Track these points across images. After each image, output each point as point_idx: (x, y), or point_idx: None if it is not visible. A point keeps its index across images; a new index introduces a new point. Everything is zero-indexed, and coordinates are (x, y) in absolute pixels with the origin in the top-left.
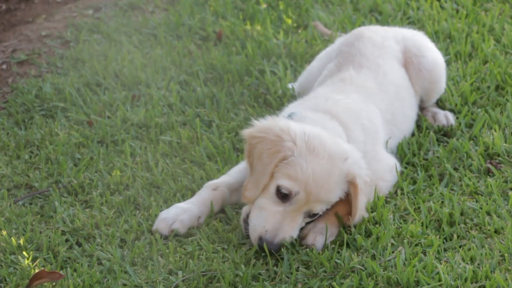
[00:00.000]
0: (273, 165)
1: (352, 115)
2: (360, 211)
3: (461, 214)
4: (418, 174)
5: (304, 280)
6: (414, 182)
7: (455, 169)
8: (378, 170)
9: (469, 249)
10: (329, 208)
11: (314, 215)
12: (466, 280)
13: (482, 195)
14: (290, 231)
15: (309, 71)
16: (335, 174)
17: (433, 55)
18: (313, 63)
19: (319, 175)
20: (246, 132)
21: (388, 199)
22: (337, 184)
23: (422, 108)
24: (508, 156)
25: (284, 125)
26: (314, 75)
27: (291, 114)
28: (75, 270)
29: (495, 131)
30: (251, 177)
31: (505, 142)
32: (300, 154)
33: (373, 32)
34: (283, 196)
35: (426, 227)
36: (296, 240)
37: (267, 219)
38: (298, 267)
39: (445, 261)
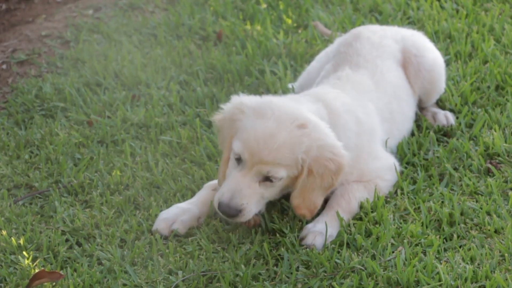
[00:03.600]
0: (229, 137)
1: (344, 106)
2: (305, 196)
3: (461, 214)
4: (418, 174)
5: (304, 280)
6: (414, 182)
7: (455, 169)
8: (376, 169)
9: (469, 249)
10: (290, 175)
11: (272, 179)
12: (466, 280)
13: (482, 195)
14: (248, 198)
15: (308, 71)
16: (281, 136)
17: (432, 55)
18: (312, 63)
19: (261, 135)
20: (214, 119)
21: (388, 199)
22: (284, 147)
23: (422, 108)
24: (508, 156)
25: (237, 101)
26: (313, 75)
27: None
28: (75, 270)
29: (495, 131)
30: (221, 162)
31: (505, 142)
32: (247, 118)
33: (371, 32)
34: (238, 160)
35: (426, 227)
36: (296, 240)
37: (226, 184)
38: (298, 267)
39: (445, 261)
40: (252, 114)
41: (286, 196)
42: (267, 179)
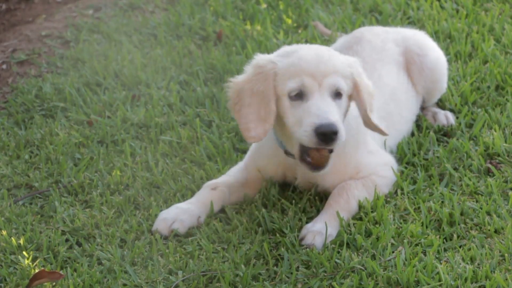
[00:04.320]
0: (271, 88)
1: None
2: (369, 106)
3: (461, 214)
4: (418, 174)
5: (304, 280)
6: (414, 182)
7: (455, 169)
8: (372, 164)
9: (469, 249)
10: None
11: (340, 93)
12: (466, 280)
13: (482, 195)
14: (336, 115)
15: None
16: (325, 52)
17: (435, 54)
18: None
19: (309, 56)
20: (232, 82)
21: (388, 199)
22: (334, 58)
23: (422, 108)
24: (508, 156)
25: (262, 56)
26: None
27: None
28: (75, 270)
29: (495, 131)
30: (246, 117)
31: (505, 142)
32: (283, 61)
33: (373, 35)
34: (299, 95)
35: (426, 227)
36: (296, 240)
37: (311, 114)
38: (298, 267)
39: (445, 261)
40: (285, 56)
41: (285, 196)
42: (336, 95)
